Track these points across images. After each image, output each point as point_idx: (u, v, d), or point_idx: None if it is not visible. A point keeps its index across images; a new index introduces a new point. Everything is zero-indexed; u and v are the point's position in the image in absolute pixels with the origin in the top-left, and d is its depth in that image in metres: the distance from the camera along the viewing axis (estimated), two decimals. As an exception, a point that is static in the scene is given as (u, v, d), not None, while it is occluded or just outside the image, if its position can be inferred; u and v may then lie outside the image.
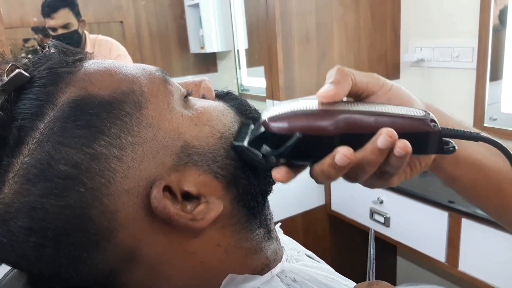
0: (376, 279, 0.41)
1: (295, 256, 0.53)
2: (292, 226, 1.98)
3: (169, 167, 0.39)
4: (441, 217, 1.47)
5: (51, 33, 2.28)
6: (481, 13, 1.63)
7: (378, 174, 0.41)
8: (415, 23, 1.97)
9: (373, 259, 0.45)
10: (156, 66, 0.44)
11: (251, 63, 3.01)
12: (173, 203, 0.38)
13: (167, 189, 0.38)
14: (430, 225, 1.52)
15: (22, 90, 0.37)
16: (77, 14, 2.30)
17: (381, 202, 1.70)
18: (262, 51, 1.93)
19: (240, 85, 3.06)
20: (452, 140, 0.41)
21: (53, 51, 0.41)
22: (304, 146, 0.38)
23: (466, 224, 1.40)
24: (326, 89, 0.39)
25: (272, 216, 0.50)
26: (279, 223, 0.57)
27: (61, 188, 0.35)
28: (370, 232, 0.47)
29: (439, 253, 1.52)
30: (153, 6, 3.11)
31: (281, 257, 0.48)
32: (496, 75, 1.67)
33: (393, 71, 2.05)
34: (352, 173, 0.39)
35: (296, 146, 0.37)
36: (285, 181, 0.39)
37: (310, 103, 0.39)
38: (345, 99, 0.41)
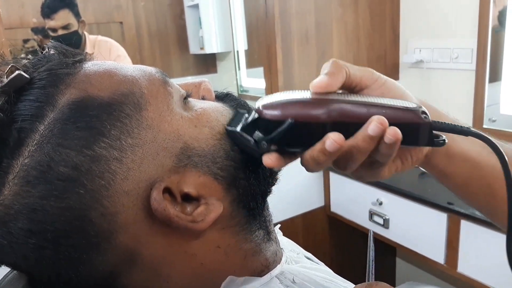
0: (375, 280, 0.42)
1: (294, 257, 0.53)
2: (291, 227, 1.98)
3: (169, 168, 0.39)
4: (440, 219, 1.47)
5: (51, 33, 2.27)
6: (480, 14, 1.63)
7: (368, 164, 0.41)
8: (414, 23, 1.97)
9: (372, 260, 0.45)
10: (155, 66, 0.44)
11: (250, 64, 3.01)
12: (173, 205, 0.38)
13: (167, 190, 0.38)
14: (429, 227, 1.52)
15: (22, 91, 0.37)
16: (77, 15, 2.30)
17: (380, 204, 1.70)
18: (261, 52, 1.94)
19: (239, 86, 3.06)
20: (443, 135, 0.41)
21: (52, 53, 0.41)
22: (295, 133, 0.38)
23: (465, 226, 1.40)
24: (320, 79, 0.39)
25: (272, 217, 0.50)
26: (279, 225, 0.57)
27: (61, 190, 0.35)
28: (369, 234, 0.47)
29: (438, 255, 1.52)
30: (152, 7, 3.11)
31: (281, 259, 0.48)
32: (495, 77, 1.67)
33: (392, 72, 2.05)
34: (342, 161, 0.39)
35: (287, 132, 0.38)
36: (275, 166, 0.39)
37: (304, 93, 0.40)
38: (339, 92, 0.41)
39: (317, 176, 1.97)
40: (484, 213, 0.52)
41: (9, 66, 0.38)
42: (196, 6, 3.10)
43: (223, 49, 3.14)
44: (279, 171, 0.47)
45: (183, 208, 0.39)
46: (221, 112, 0.45)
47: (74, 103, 0.37)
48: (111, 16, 2.98)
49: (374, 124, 0.37)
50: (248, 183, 0.43)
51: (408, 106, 0.39)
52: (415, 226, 1.59)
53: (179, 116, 0.41)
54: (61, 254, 0.37)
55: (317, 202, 2.03)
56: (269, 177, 0.45)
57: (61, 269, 0.38)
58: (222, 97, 0.50)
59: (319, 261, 0.58)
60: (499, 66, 1.65)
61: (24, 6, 2.67)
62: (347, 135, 0.38)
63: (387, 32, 2.01)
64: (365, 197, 1.76)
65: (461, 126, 0.41)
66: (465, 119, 1.74)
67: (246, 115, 0.43)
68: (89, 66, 0.41)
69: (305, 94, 0.40)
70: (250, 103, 0.50)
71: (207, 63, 3.40)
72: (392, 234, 1.69)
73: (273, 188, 0.47)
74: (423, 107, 0.40)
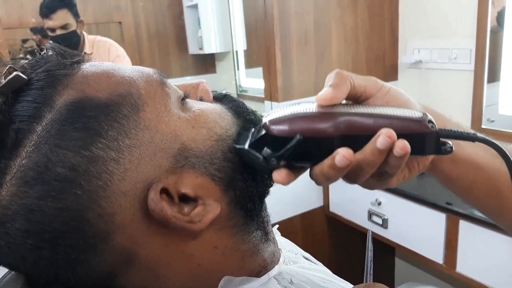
0: (373, 280, 0.42)
1: (292, 258, 0.53)
2: (290, 228, 1.98)
3: (166, 169, 0.39)
4: (439, 219, 1.47)
5: (50, 33, 2.27)
6: (478, 14, 1.63)
7: (377, 175, 0.41)
8: (413, 24, 1.97)
9: (370, 261, 0.45)
10: (154, 67, 0.44)
11: (249, 64, 3.01)
12: (170, 206, 0.38)
13: (164, 191, 0.38)
14: (428, 227, 1.53)
15: (19, 92, 0.37)
16: (76, 15, 2.29)
17: (379, 204, 1.70)
18: (260, 52, 1.94)
19: (238, 86, 3.06)
20: (449, 141, 0.41)
21: (50, 53, 0.41)
22: (304, 148, 0.38)
23: (464, 226, 1.40)
24: (325, 92, 0.39)
25: (270, 218, 0.50)
26: (277, 225, 0.57)
27: (59, 190, 0.35)
28: (368, 234, 0.47)
29: (437, 255, 1.52)
30: (151, 7, 3.11)
31: (279, 259, 0.48)
32: (493, 77, 1.67)
33: (391, 73, 2.05)
34: (352, 174, 0.39)
35: (296, 148, 0.38)
36: (285, 183, 0.39)
37: (309, 106, 0.40)
38: (344, 102, 0.41)
39: (316, 176, 1.97)
40: (490, 215, 0.53)
41: (7, 67, 0.38)
42: (195, 6, 3.10)
43: (222, 49, 3.14)
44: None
45: (180, 209, 0.39)
46: (219, 113, 0.45)
47: (72, 104, 0.37)
48: (110, 16, 2.98)
49: (383, 138, 0.37)
50: (245, 185, 0.43)
51: (415, 116, 0.39)
52: (414, 226, 1.59)
53: (176, 117, 0.41)
54: (59, 255, 0.37)
55: (316, 202, 2.03)
56: (267, 178, 0.45)
57: (58, 270, 0.38)
58: (220, 98, 0.50)
59: (317, 261, 0.58)
60: (498, 67, 1.66)
61: (23, 6, 2.67)
62: (355, 148, 0.38)
63: (386, 32, 2.02)
64: (364, 197, 1.76)
65: (468, 133, 0.41)
66: (464, 120, 1.75)
67: (253, 130, 0.43)
68: (87, 67, 0.41)
69: (311, 107, 0.40)
70: (249, 103, 0.50)
71: (206, 63, 3.40)
72: (391, 234, 1.69)
73: (272, 188, 0.47)
74: (429, 115, 0.40)
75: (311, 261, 0.57)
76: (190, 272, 0.42)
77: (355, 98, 0.42)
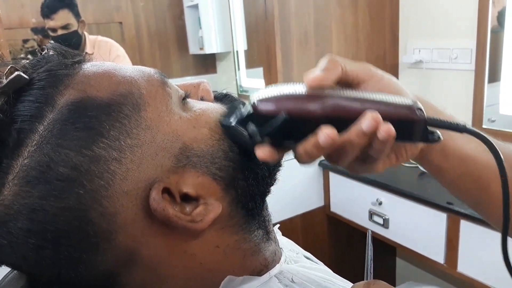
0: (374, 279, 0.42)
1: (293, 257, 0.53)
2: (291, 227, 1.98)
3: (168, 169, 0.39)
4: (439, 219, 1.47)
5: (51, 34, 2.28)
6: (479, 14, 1.63)
7: (362, 158, 0.41)
8: (414, 24, 1.97)
9: (371, 260, 0.45)
10: (155, 67, 0.45)
11: (250, 64, 3.01)
12: (172, 205, 0.38)
13: (166, 191, 0.38)
14: (429, 227, 1.53)
15: (21, 92, 0.37)
16: (77, 15, 2.30)
17: (380, 204, 1.70)
18: (261, 52, 1.94)
19: (239, 86, 3.06)
20: (438, 131, 0.41)
21: (52, 54, 0.41)
22: (289, 127, 0.39)
23: (465, 225, 1.40)
24: (314, 74, 0.39)
25: (271, 217, 0.50)
26: (278, 225, 0.57)
27: (61, 190, 0.35)
28: (368, 233, 0.47)
29: (438, 254, 1.52)
30: (152, 7, 3.11)
31: (280, 258, 0.48)
32: (494, 77, 1.67)
33: (391, 73, 2.01)
34: (335, 155, 0.40)
35: (281, 126, 0.38)
36: (267, 159, 0.39)
37: (299, 87, 0.40)
38: (336, 88, 0.41)
39: (317, 176, 1.97)
40: (477, 210, 0.52)
41: (9, 67, 0.38)
42: (195, 7, 3.10)
43: (223, 49, 3.14)
44: (277, 169, 0.47)
45: (182, 208, 0.39)
46: (220, 113, 0.45)
47: (73, 104, 0.37)
48: (111, 17, 2.99)
49: (368, 120, 0.37)
50: (246, 184, 0.43)
51: (403, 102, 0.40)
52: (415, 226, 1.59)
53: (178, 116, 0.41)
54: (61, 254, 0.37)
55: (317, 202, 2.03)
56: (268, 177, 0.45)
57: (60, 269, 0.38)
58: (221, 98, 0.50)
59: (318, 260, 0.58)
60: (498, 67, 1.66)
61: (24, 6, 2.68)
62: (340, 130, 0.38)
63: (387, 32, 2.02)
64: (365, 197, 1.76)
65: (457, 124, 0.41)
66: (465, 119, 1.74)
67: (242, 108, 0.43)
68: (88, 67, 0.41)
69: (300, 88, 0.40)
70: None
71: (207, 63, 3.41)
72: (392, 234, 1.69)
73: (273, 188, 0.47)
74: (418, 103, 0.40)
75: (312, 260, 0.57)
76: (192, 271, 0.42)
77: (347, 84, 0.42)
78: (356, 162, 0.41)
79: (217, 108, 0.46)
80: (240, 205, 0.43)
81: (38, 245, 0.36)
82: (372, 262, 0.44)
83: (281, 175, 0.48)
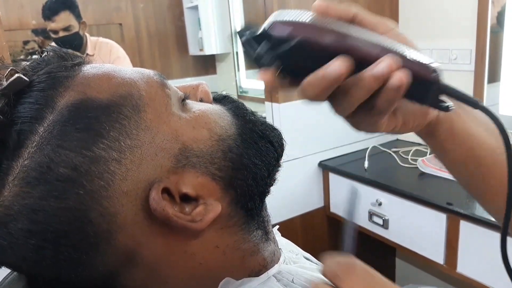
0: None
1: (293, 258, 0.53)
2: (291, 228, 1.98)
3: (168, 169, 0.39)
4: (439, 219, 1.47)
5: (52, 35, 2.28)
6: (478, 15, 1.64)
7: (366, 109, 0.39)
8: (413, 25, 1.97)
9: (352, 228, 0.40)
10: (155, 68, 0.45)
11: (250, 65, 3.01)
12: (172, 205, 0.39)
13: (166, 191, 0.39)
14: (429, 227, 1.53)
15: (21, 94, 0.38)
16: (78, 16, 2.30)
17: (380, 204, 1.70)
18: (260, 53, 1.93)
19: (239, 87, 3.07)
20: (450, 101, 0.39)
21: (52, 56, 0.41)
22: (301, 56, 0.37)
23: (464, 226, 1.40)
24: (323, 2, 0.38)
25: (270, 218, 0.50)
26: (277, 226, 0.57)
27: (61, 190, 0.35)
28: (351, 189, 0.45)
29: (437, 255, 1.52)
30: (152, 8, 3.11)
31: (279, 259, 0.49)
32: (494, 77, 1.67)
33: (391, 73, 2.05)
34: (340, 96, 0.38)
35: (292, 52, 0.36)
36: (267, 81, 0.38)
37: (324, 20, 0.38)
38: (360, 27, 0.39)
39: (317, 177, 1.97)
40: (477, 196, 0.51)
41: (9, 69, 0.38)
42: (195, 8, 3.11)
43: (223, 50, 3.14)
44: (277, 170, 0.47)
45: (181, 208, 0.39)
46: (219, 114, 0.45)
47: (73, 105, 0.37)
48: (111, 18, 2.99)
49: (385, 62, 0.35)
50: (246, 184, 0.43)
51: (421, 59, 0.37)
52: (415, 227, 1.59)
53: (177, 117, 0.41)
54: (61, 255, 0.37)
55: (316, 202, 2.03)
56: (267, 177, 0.46)
57: (61, 270, 0.38)
58: (220, 99, 0.50)
59: (318, 261, 0.58)
60: (498, 67, 1.66)
61: (24, 7, 2.68)
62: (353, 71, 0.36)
63: (386, 33, 2.01)
64: (365, 198, 1.76)
65: (471, 97, 0.39)
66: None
67: (260, 28, 0.40)
68: (88, 69, 0.41)
69: (326, 21, 0.37)
70: (249, 104, 0.50)
71: (207, 64, 3.41)
72: (391, 235, 1.69)
73: (273, 188, 0.47)
74: (438, 65, 0.38)
75: (311, 261, 0.57)
76: (191, 271, 0.42)
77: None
78: (360, 112, 0.39)
79: (216, 110, 0.46)
80: (239, 205, 0.43)
81: (38, 245, 0.36)
82: (353, 232, 0.40)
83: (280, 175, 0.48)
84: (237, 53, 3.06)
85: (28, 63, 0.41)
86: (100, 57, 2.35)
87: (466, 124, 0.45)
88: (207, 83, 0.51)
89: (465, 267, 1.44)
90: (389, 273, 2.32)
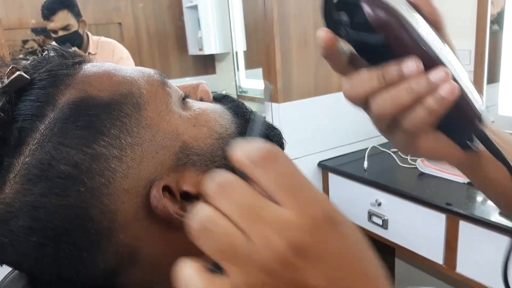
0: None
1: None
2: (290, 228, 1.98)
3: (168, 167, 0.39)
4: (438, 219, 1.48)
5: (53, 35, 2.29)
6: (478, 15, 1.64)
7: (404, 126, 0.38)
8: (413, 25, 1.97)
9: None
10: (154, 67, 0.45)
11: (249, 65, 3.02)
12: (173, 203, 0.39)
13: (167, 189, 0.39)
14: (428, 227, 1.53)
15: (22, 92, 0.38)
16: (77, 15, 2.30)
17: (379, 205, 1.70)
18: (260, 53, 1.94)
19: (238, 87, 3.07)
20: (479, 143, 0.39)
21: (52, 55, 0.42)
22: (376, 45, 0.36)
23: (464, 226, 1.40)
24: None
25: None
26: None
27: (62, 187, 0.36)
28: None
29: (437, 255, 1.52)
30: (151, 8, 3.11)
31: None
32: (493, 78, 1.67)
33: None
34: (385, 96, 0.37)
35: (373, 41, 0.36)
36: (324, 40, 0.38)
37: (410, 14, 0.37)
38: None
39: (316, 177, 1.97)
40: None
41: (10, 67, 0.38)
42: (195, 7, 3.11)
43: (222, 50, 3.14)
44: None
45: (182, 206, 0.39)
46: (219, 113, 0.46)
47: (74, 103, 0.37)
48: (110, 17, 2.99)
49: (443, 73, 0.35)
50: None
51: (477, 98, 0.38)
52: (414, 227, 1.59)
53: (178, 115, 0.42)
54: (62, 252, 0.37)
55: (316, 203, 2.02)
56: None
57: (61, 267, 0.38)
58: (220, 99, 0.50)
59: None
60: (497, 68, 1.66)
61: (23, 6, 2.68)
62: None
63: (386, 33, 2.02)
64: (364, 198, 1.76)
65: (504, 155, 0.39)
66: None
67: None
68: (89, 67, 0.41)
69: (410, 18, 0.36)
70: (248, 104, 0.50)
71: (206, 64, 3.41)
72: (391, 235, 1.69)
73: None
74: (484, 107, 0.38)
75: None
76: (192, 269, 0.42)
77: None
78: (397, 129, 0.39)
79: (217, 109, 0.46)
80: None
81: (39, 243, 0.36)
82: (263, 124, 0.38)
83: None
84: (236, 53, 3.06)
85: (28, 61, 0.41)
86: (102, 56, 2.35)
87: (504, 150, 0.43)
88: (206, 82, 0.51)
89: (464, 267, 1.44)
90: (389, 273, 2.31)
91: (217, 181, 0.29)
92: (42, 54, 0.42)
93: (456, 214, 1.41)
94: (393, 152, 1.92)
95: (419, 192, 1.57)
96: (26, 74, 0.38)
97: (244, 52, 3.01)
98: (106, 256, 0.38)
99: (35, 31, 2.76)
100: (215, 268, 0.28)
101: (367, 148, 1.96)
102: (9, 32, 2.57)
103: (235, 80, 3.07)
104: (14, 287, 0.47)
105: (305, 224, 0.27)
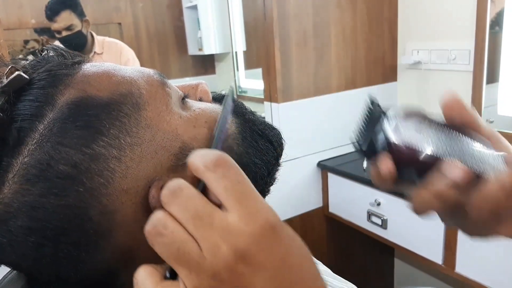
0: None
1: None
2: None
3: (168, 167, 0.39)
4: (438, 219, 1.47)
5: (56, 35, 2.30)
6: (477, 15, 1.64)
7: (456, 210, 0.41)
8: (412, 25, 1.98)
9: (224, 120, 0.41)
10: (154, 67, 0.45)
11: (249, 65, 3.02)
12: None
13: None
14: (427, 227, 1.53)
15: (21, 92, 0.38)
16: (80, 15, 2.31)
17: (379, 204, 1.70)
18: (259, 53, 1.94)
19: (238, 87, 3.07)
20: None
21: (52, 54, 0.42)
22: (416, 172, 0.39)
23: (463, 226, 1.40)
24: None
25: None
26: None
27: (61, 187, 0.35)
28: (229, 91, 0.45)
29: (436, 255, 1.52)
30: (151, 8, 3.11)
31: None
32: (492, 78, 1.67)
33: (390, 74, 2.05)
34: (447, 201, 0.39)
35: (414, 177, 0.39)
36: (387, 175, 0.40)
37: (451, 145, 0.39)
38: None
39: (315, 177, 1.98)
40: None
41: (9, 67, 0.38)
42: (194, 7, 3.11)
43: (222, 50, 3.14)
44: (276, 169, 0.47)
45: None
46: (219, 113, 0.45)
47: (73, 103, 0.37)
48: (110, 17, 2.99)
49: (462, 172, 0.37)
50: None
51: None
52: (413, 227, 1.59)
53: (177, 116, 0.42)
54: (61, 252, 0.37)
55: (315, 202, 2.03)
56: (267, 176, 0.46)
57: (60, 268, 0.38)
58: (219, 99, 0.50)
59: (317, 261, 0.58)
60: (497, 67, 1.66)
61: (23, 7, 2.68)
62: None
63: (385, 34, 2.02)
64: (363, 198, 1.77)
65: None
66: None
67: (390, 115, 0.41)
68: (88, 67, 0.41)
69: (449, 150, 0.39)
70: (248, 104, 0.50)
71: (206, 64, 3.41)
72: (390, 235, 1.70)
73: (272, 188, 0.47)
74: None
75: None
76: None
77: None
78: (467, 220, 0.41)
79: (216, 109, 0.46)
80: None
81: (38, 243, 0.36)
82: (226, 121, 0.41)
83: (279, 175, 0.48)
84: (236, 53, 3.06)
85: (27, 61, 0.41)
86: (110, 57, 2.35)
87: None
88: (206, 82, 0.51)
89: (463, 267, 1.44)
90: (388, 273, 2.32)
91: (170, 187, 0.32)
92: (41, 54, 0.42)
93: (455, 214, 1.41)
94: (393, 152, 1.92)
95: (418, 192, 1.56)
96: (25, 74, 0.38)
97: (244, 52, 3.02)
98: (104, 255, 0.38)
99: (38, 31, 2.76)
100: (172, 273, 0.31)
101: (367, 148, 1.96)
102: (8, 32, 2.57)
103: (235, 80, 3.07)
104: (13, 287, 0.47)
105: (250, 232, 0.29)
